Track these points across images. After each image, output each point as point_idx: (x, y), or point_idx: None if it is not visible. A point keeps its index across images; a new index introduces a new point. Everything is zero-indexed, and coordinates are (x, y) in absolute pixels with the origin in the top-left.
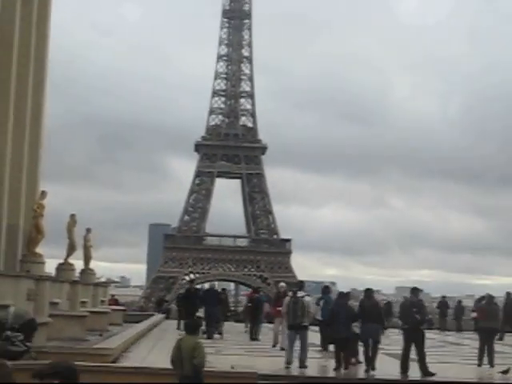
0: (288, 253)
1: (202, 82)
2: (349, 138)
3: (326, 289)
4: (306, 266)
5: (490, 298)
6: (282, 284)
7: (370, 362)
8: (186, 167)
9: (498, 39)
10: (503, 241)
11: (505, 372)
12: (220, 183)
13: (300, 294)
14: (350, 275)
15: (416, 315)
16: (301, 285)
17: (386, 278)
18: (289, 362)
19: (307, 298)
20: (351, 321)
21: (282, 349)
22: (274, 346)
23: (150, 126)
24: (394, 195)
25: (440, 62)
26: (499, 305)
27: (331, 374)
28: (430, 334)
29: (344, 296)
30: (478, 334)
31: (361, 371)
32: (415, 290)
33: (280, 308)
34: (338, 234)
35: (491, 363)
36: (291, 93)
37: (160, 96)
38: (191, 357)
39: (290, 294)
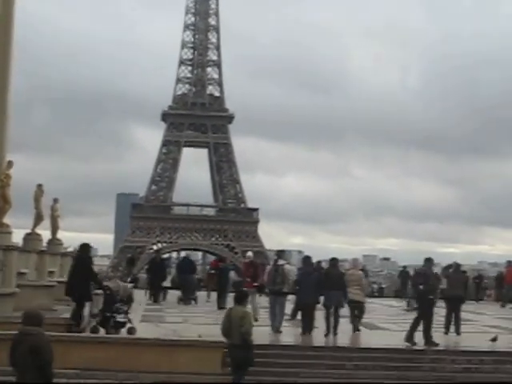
0: (255, 222)
1: (168, 50)
2: (312, 106)
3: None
4: (272, 235)
5: (456, 266)
6: (249, 254)
7: (333, 328)
8: (151, 136)
9: (458, 10)
10: (468, 209)
11: (493, 340)
12: (187, 152)
13: (280, 262)
14: (315, 244)
15: (420, 286)
16: (280, 254)
17: (352, 246)
18: (277, 329)
19: (288, 266)
20: (317, 288)
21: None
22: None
23: (114, 93)
24: (357, 164)
25: (400, 31)
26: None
27: (299, 339)
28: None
29: (309, 263)
30: (444, 302)
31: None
32: (427, 261)
33: (249, 278)
34: (303, 203)
35: (457, 331)
36: (256, 61)
37: (123, 63)
38: (239, 326)
39: (272, 262)
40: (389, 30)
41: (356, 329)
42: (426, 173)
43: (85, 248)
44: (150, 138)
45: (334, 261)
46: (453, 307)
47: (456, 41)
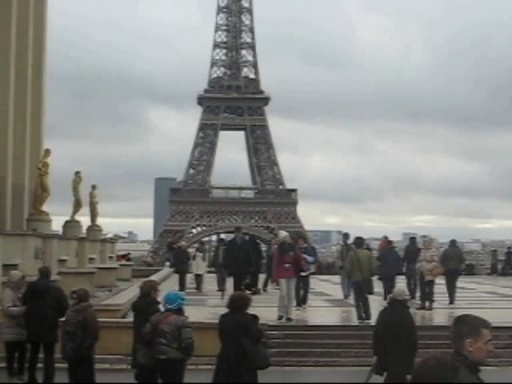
0: (294, 203)
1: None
2: (328, 83)
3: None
4: (307, 215)
5: (452, 242)
6: (284, 233)
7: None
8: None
9: None
10: (497, 183)
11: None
12: (224, 135)
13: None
14: (350, 223)
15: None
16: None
17: (387, 224)
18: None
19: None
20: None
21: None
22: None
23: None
24: (377, 139)
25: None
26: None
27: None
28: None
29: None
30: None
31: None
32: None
33: (287, 264)
34: (331, 182)
35: (451, 300)
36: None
37: (128, 48)
38: (368, 263)
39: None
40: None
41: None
42: (446, 146)
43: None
44: (164, 119)
45: (413, 239)
46: (449, 279)
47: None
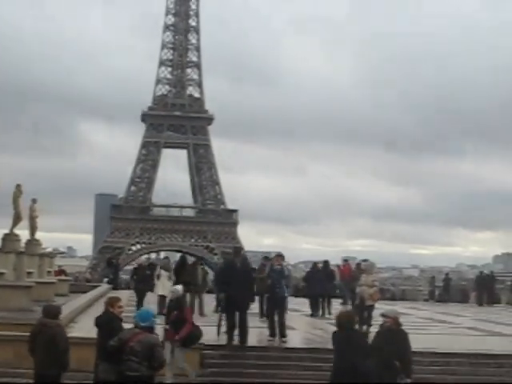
0: (235, 223)
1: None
2: (262, 102)
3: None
4: (245, 236)
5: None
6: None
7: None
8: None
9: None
10: (430, 209)
11: None
12: (166, 153)
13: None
14: (288, 245)
15: None
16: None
17: (325, 247)
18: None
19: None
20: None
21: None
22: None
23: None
24: (313, 161)
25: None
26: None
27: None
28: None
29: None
30: None
31: None
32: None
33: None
34: (269, 203)
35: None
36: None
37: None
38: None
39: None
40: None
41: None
42: (378, 170)
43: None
44: (96, 134)
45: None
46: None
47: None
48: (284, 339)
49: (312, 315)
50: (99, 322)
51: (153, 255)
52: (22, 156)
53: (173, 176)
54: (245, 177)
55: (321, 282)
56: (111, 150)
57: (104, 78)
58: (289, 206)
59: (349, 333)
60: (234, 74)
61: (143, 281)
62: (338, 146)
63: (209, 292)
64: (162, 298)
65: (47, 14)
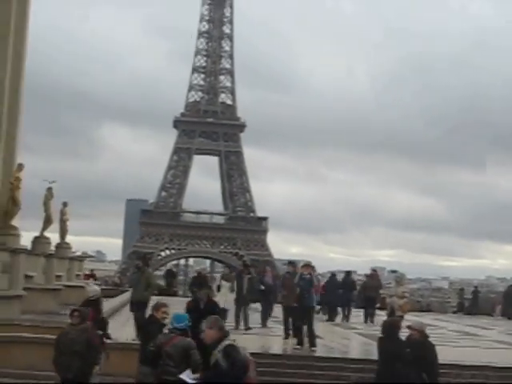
0: (264, 231)
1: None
2: (278, 109)
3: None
4: (271, 244)
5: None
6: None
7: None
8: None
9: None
10: (455, 220)
11: None
12: (198, 160)
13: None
14: (314, 254)
15: None
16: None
17: (350, 257)
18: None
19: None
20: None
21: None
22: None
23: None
24: (335, 170)
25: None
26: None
27: None
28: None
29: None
30: None
31: None
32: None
33: None
34: (292, 211)
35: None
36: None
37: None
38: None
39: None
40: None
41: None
42: (401, 179)
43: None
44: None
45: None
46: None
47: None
48: (313, 348)
49: (328, 320)
50: (140, 325)
51: (182, 261)
52: (49, 159)
53: (203, 182)
54: (268, 185)
55: (338, 292)
56: (134, 155)
57: (128, 83)
58: (311, 214)
59: (392, 339)
60: (252, 79)
61: None
62: (360, 154)
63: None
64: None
65: (77, 14)
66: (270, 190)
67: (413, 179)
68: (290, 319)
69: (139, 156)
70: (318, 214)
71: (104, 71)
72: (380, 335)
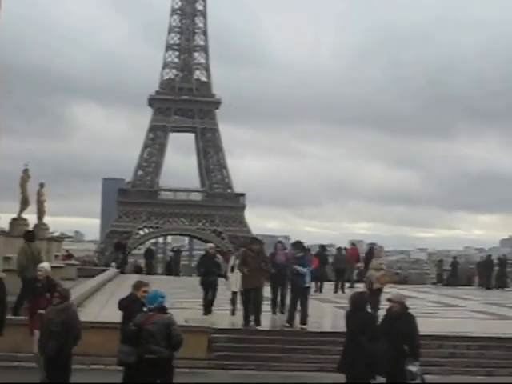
0: (242, 207)
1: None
2: (249, 83)
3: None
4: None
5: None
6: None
7: None
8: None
9: None
10: (431, 192)
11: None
12: (173, 137)
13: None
14: (291, 228)
15: None
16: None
17: (327, 230)
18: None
19: None
20: None
21: None
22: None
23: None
24: (309, 144)
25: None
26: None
27: None
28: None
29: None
30: None
31: None
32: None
33: None
34: (267, 186)
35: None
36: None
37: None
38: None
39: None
40: None
41: None
42: (374, 152)
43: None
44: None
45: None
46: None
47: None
48: (304, 326)
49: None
50: (121, 305)
51: (160, 239)
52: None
53: (180, 160)
54: (242, 161)
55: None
56: (107, 134)
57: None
58: (287, 188)
59: (360, 313)
60: (225, 56)
61: (212, 272)
62: (333, 127)
63: None
64: (235, 295)
65: None
66: (244, 166)
67: (387, 152)
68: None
69: (112, 135)
70: (293, 189)
71: (75, 49)
72: (348, 308)
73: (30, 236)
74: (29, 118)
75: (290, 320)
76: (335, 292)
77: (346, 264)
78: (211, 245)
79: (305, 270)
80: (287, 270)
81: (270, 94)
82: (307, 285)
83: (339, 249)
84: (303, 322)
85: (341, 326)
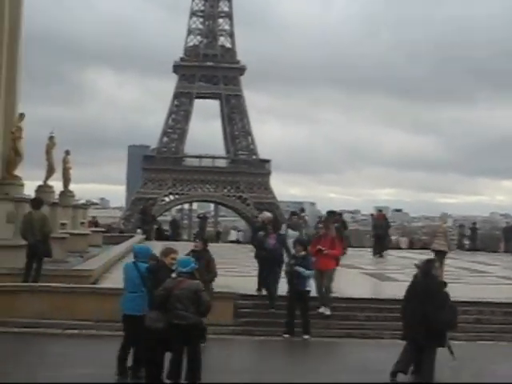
0: (267, 173)
1: None
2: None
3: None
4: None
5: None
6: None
7: None
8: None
9: None
10: (453, 157)
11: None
12: (198, 104)
13: None
14: (314, 194)
15: None
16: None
17: (350, 197)
18: None
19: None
20: None
21: None
22: None
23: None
24: (326, 110)
25: None
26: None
27: None
28: None
29: None
30: None
31: None
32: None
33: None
34: (286, 152)
35: None
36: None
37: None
38: (41, 226)
39: None
40: None
41: None
42: (392, 117)
43: None
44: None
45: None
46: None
47: None
48: (306, 336)
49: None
50: (149, 271)
51: (186, 206)
52: (44, 106)
53: (205, 127)
54: (262, 127)
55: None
56: (120, 100)
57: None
58: (305, 155)
59: (427, 281)
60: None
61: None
62: (347, 92)
63: None
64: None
65: None
66: (264, 133)
67: (403, 117)
68: None
69: (133, 102)
70: (311, 155)
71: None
72: (416, 274)
73: (35, 203)
74: (47, 84)
75: (290, 330)
76: (374, 255)
77: (386, 230)
78: (268, 214)
79: (307, 272)
80: (275, 254)
81: (285, 57)
82: (308, 288)
83: (377, 215)
84: (306, 331)
85: (368, 293)
